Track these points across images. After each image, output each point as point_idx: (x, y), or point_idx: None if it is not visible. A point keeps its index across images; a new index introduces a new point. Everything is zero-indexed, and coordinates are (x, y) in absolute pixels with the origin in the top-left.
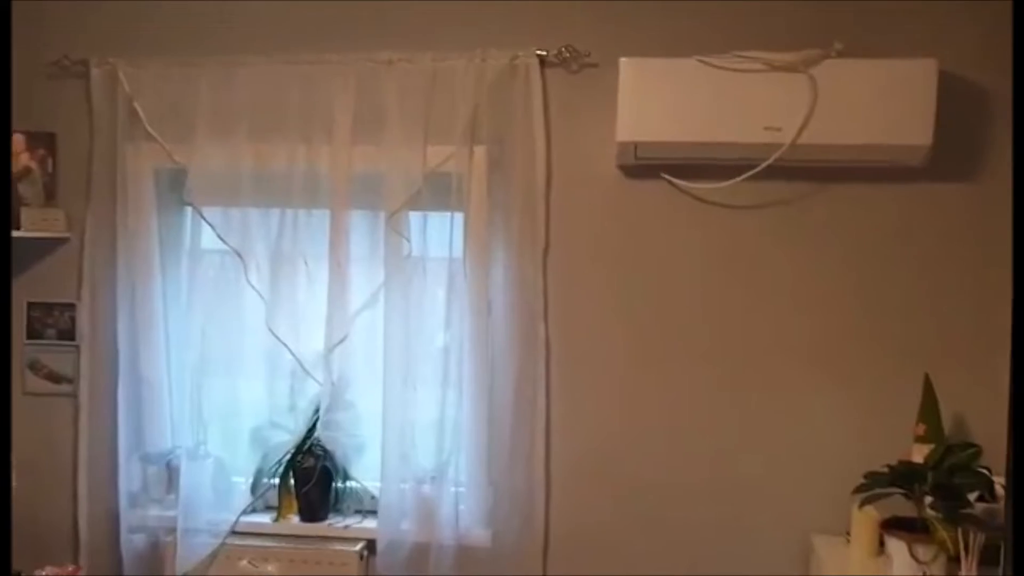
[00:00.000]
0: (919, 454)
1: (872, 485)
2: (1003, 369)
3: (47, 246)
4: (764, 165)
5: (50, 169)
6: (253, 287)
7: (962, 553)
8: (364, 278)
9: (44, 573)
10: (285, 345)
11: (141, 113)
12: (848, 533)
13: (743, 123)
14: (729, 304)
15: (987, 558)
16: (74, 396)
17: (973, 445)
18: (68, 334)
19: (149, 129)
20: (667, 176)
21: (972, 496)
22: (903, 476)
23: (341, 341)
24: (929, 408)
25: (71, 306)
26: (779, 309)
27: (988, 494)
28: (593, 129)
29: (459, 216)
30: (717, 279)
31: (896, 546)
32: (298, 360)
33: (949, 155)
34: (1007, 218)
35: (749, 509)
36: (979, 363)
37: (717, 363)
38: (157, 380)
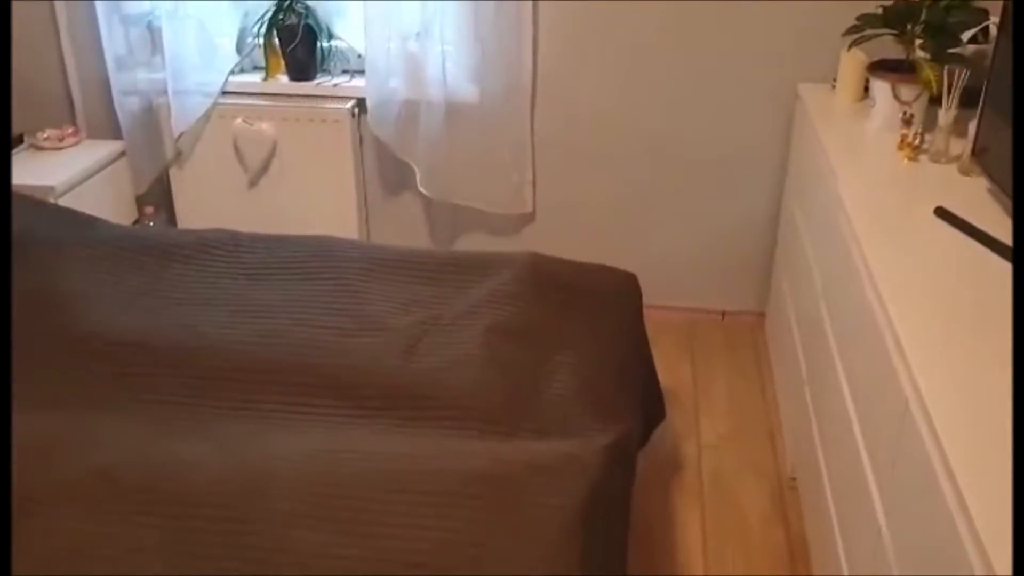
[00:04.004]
0: None
1: (863, 27)
2: None
3: None
4: None
5: None
6: None
7: (944, 93)
8: None
9: (45, 135)
10: None
11: None
12: (834, 80)
13: None
14: None
15: (967, 100)
16: None
17: None
18: None
19: None
20: None
21: (965, 36)
22: (897, 15)
23: None
24: None
25: None
26: None
27: (981, 34)
28: None
29: None
30: None
31: (880, 87)
32: None
33: None
34: None
35: (736, 62)
36: None
37: None
38: None
